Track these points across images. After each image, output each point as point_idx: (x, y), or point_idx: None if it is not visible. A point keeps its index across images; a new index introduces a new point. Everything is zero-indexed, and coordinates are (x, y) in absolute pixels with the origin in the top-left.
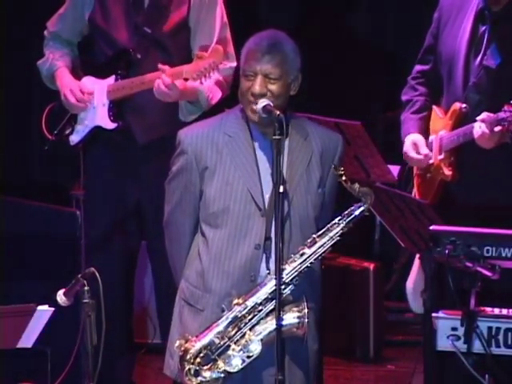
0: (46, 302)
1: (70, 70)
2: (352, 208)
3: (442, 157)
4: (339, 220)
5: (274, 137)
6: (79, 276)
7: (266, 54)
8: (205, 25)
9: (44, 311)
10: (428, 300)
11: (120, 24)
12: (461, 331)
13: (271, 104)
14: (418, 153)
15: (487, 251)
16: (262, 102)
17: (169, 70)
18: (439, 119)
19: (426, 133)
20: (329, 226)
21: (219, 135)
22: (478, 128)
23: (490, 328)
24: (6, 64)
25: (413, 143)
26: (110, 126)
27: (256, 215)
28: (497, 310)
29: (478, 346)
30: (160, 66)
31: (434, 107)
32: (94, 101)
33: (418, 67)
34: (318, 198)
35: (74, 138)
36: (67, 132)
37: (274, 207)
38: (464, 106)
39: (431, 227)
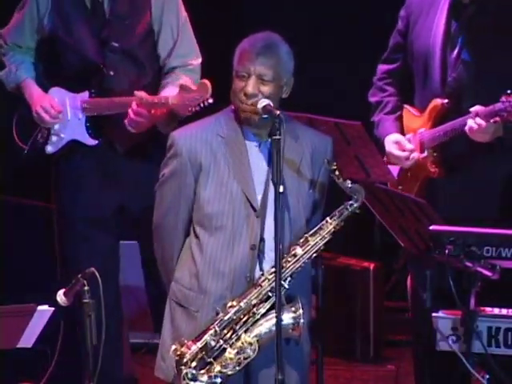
0: (46, 302)
1: (34, 80)
2: (343, 206)
3: (425, 154)
4: (330, 218)
5: (273, 137)
6: (79, 276)
7: (260, 55)
8: (166, 25)
9: (44, 311)
10: (428, 300)
11: (85, 39)
12: (461, 331)
13: (271, 104)
14: (403, 150)
15: (487, 251)
16: (262, 102)
17: (149, 97)
18: (414, 117)
19: (401, 133)
20: (320, 224)
21: (212, 136)
22: (473, 122)
23: (489, 328)
24: None
25: (395, 142)
26: (91, 142)
27: (251, 216)
28: (497, 310)
29: (477, 346)
30: (136, 92)
31: (407, 106)
32: (67, 113)
33: (383, 67)
34: (309, 198)
35: (50, 149)
36: (41, 141)
37: (275, 207)
38: (446, 101)
39: (431, 227)
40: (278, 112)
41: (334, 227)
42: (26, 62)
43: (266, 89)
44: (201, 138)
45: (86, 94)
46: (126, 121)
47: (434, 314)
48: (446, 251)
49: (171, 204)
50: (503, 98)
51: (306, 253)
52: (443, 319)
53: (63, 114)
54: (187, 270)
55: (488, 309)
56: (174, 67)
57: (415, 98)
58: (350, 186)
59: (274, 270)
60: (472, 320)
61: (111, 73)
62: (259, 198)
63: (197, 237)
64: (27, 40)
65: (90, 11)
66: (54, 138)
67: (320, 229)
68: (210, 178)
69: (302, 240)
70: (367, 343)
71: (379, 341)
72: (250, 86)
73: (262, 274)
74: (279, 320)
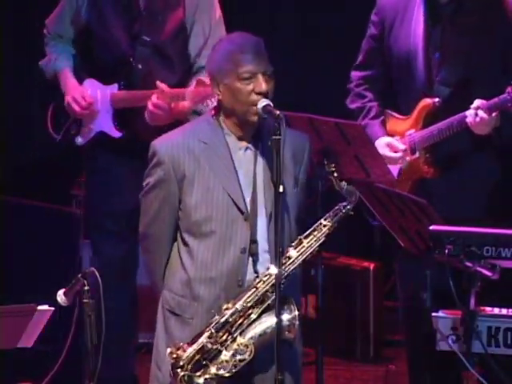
0: (46, 302)
1: (71, 70)
2: (337, 207)
3: (416, 155)
4: (325, 220)
5: (273, 137)
6: (79, 276)
7: (256, 53)
8: (199, 23)
9: (44, 311)
10: (428, 300)
11: (118, 33)
12: (461, 331)
13: (271, 104)
14: (395, 151)
15: (487, 251)
16: (262, 102)
17: (170, 90)
18: (399, 121)
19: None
20: (315, 226)
21: (194, 143)
22: (474, 115)
23: (489, 328)
24: (5, 64)
25: (386, 145)
26: (116, 134)
27: (239, 220)
28: (497, 310)
29: (477, 346)
30: (158, 83)
31: (388, 111)
32: (97, 105)
33: (358, 74)
34: (295, 197)
35: (81, 140)
36: (73, 132)
37: (275, 207)
38: (437, 100)
39: (431, 227)
40: (278, 112)
41: (329, 229)
42: (67, 51)
43: (270, 85)
44: (183, 145)
45: (115, 87)
46: (145, 113)
47: (433, 314)
48: (446, 251)
49: (157, 213)
50: (509, 89)
51: (300, 255)
52: (443, 319)
53: (94, 105)
54: (178, 277)
55: (488, 309)
56: (202, 67)
57: (398, 101)
58: (344, 187)
59: (268, 271)
60: (472, 320)
61: (139, 66)
62: (248, 200)
63: (186, 244)
64: (67, 30)
65: (125, 5)
66: (84, 130)
67: (314, 230)
68: (196, 185)
69: (296, 242)
70: (367, 343)
71: (379, 341)
72: (264, 84)
73: (257, 276)
74: (279, 320)
